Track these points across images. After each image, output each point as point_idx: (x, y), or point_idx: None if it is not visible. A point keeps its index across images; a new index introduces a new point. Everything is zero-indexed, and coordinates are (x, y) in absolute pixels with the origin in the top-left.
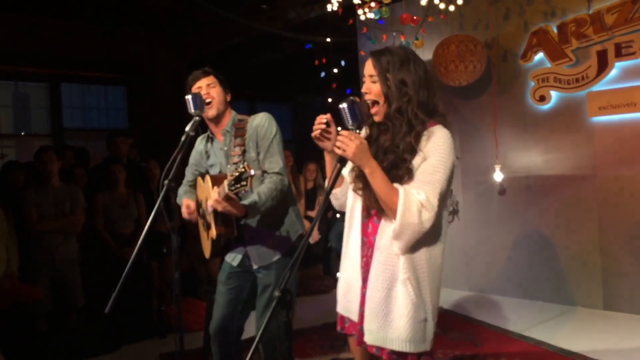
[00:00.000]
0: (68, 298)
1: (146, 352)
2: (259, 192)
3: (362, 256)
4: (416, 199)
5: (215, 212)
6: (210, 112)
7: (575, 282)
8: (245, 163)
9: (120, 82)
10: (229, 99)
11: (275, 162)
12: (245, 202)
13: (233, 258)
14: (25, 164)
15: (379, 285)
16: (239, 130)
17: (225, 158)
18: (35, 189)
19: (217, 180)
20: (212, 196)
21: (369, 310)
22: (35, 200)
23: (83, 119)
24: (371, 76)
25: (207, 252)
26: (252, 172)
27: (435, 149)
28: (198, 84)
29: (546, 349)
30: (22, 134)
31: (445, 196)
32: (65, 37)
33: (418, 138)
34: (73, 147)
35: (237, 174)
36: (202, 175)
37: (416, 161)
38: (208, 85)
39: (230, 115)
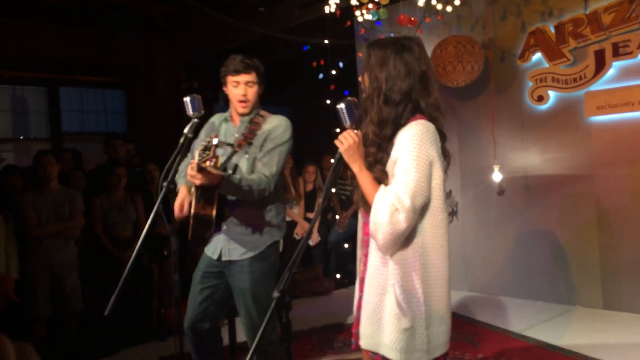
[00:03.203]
0: (67, 302)
1: (146, 355)
2: (241, 175)
3: (362, 255)
4: (388, 199)
5: (197, 189)
6: (242, 110)
7: (575, 282)
8: (214, 133)
9: (119, 85)
10: (261, 91)
11: (269, 166)
12: (224, 172)
13: (213, 251)
14: (24, 168)
15: (374, 290)
16: (255, 124)
17: (233, 142)
18: (34, 193)
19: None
20: (189, 172)
21: (365, 314)
22: (34, 204)
23: (81, 123)
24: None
25: (189, 234)
26: (215, 140)
27: (404, 148)
28: (236, 78)
29: (546, 348)
30: (21, 138)
31: (424, 195)
32: (63, 41)
33: (380, 130)
34: (68, 150)
35: (205, 143)
36: None
37: (390, 162)
38: (247, 83)
39: (255, 108)
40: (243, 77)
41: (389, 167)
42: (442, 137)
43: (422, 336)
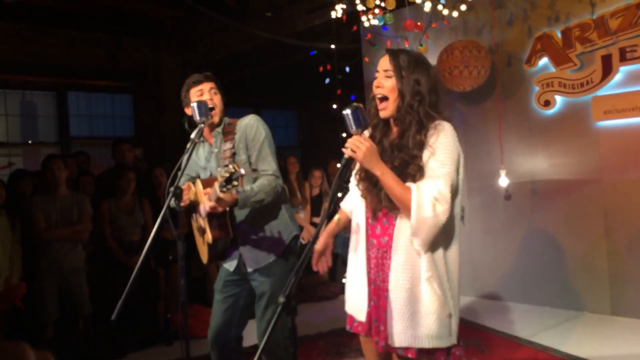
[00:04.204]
0: (75, 306)
1: (152, 359)
2: (251, 185)
3: (371, 258)
4: (429, 193)
5: (209, 216)
6: (215, 118)
7: (582, 288)
8: (235, 163)
9: (127, 90)
10: (223, 101)
11: (268, 164)
12: (238, 189)
13: (230, 264)
14: (33, 173)
15: (401, 286)
16: (229, 134)
17: (216, 161)
18: (43, 197)
19: (208, 184)
20: (204, 201)
21: (395, 312)
22: (43, 208)
23: (90, 127)
24: (386, 71)
25: (204, 258)
26: (242, 171)
27: (441, 143)
28: (200, 87)
29: (553, 354)
30: (30, 142)
31: (455, 189)
32: (71, 46)
33: (427, 135)
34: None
35: (227, 175)
36: (193, 180)
37: (424, 157)
38: (210, 90)
39: (223, 117)
40: (205, 86)
41: (423, 160)
42: None
43: (455, 321)
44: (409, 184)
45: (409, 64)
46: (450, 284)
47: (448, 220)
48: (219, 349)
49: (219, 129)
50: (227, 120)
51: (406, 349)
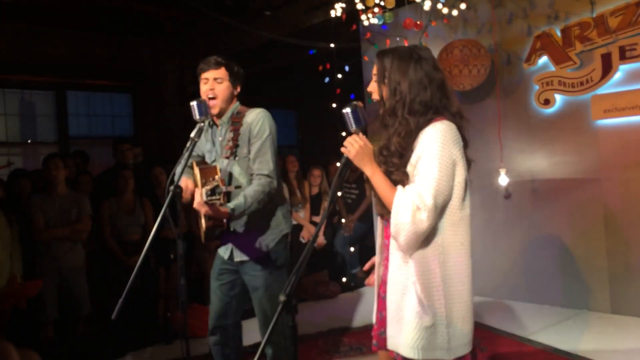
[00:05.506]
0: (74, 305)
1: (152, 358)
2: (245, 194)
3: (383, 259)
4: (410, 199)
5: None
6: (213, 110)
7: (583, 286)
8: (220, 177)
9: (126, 89)
10: (237, 91)
11: (265, 164)
12: (230, 204)
13: (224, 251)
14: (32, 172)
15: (395, 290)
16: (235, 124)
17: (220, 149)
18: (42, 197)
19: (204, 174)
20: (196, 198)
21: (389, 315)
22: (42, 207)
23: (89, 127)
24: (374, 75)
25: (202, 237)
26: (224, 188)
27: (426, 148)
28: (206, 75)
29: (553, 353)
30: (29, 141)
31: (445, 194)
32: (70, 45)
33: (405, 141)
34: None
35: (211, 186)
36: (199, 158)
37: (412, 162)
38: (215, 79)
39: (232, 107)
40: (211, 74)
41: (409, 167)
42: (464, 143)
43: (443, 334)
44: (399, 187)
45: (391, 66)
46: (446, 294)
47: (442, 227)
48: (217, 335)
49: (225, 118)
50: (237, 108)
51: (397, 353)
